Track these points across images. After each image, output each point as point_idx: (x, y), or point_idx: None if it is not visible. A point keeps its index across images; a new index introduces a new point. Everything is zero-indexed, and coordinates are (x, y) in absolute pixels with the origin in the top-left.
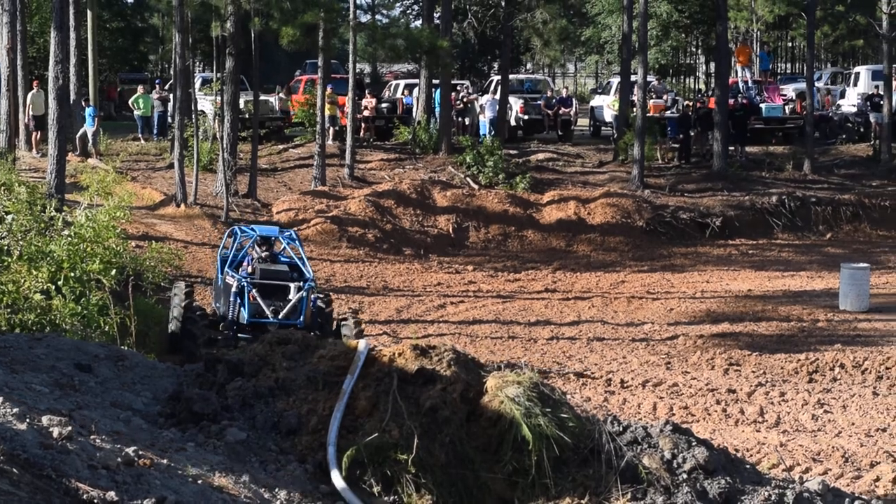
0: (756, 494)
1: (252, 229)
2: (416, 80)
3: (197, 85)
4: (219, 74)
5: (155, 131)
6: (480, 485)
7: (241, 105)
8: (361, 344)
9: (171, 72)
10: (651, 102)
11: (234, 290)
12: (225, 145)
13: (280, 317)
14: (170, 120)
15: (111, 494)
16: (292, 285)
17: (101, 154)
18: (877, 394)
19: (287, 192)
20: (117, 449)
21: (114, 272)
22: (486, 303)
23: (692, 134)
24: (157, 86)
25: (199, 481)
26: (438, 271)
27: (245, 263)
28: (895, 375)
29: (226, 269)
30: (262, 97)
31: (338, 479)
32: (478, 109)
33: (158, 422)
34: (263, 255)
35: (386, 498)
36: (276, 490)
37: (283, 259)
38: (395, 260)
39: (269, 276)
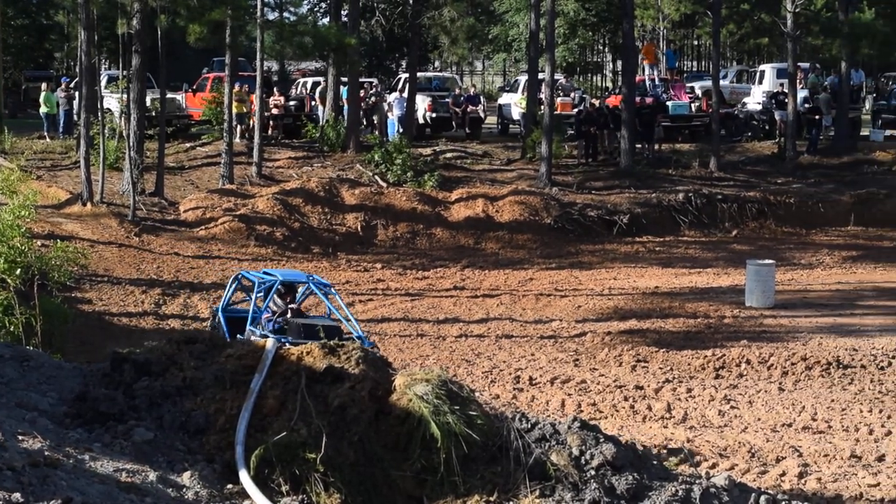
0: (663, 490)
1: (268, 273)
2: (322, 78)
3: (103, 83)
4: (125, 72)
5: (60, 129)
6: (389, 483)
7: (148, 103)
8: (269, 342)
9: (77, 69)
10: (559, 100)
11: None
12: (131, 143)
13: None
14: (75, 118)
15: (17, 496)
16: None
17: (6, 152)
18: (782, 389)
19: (194, 191)
20: (23, 449)
21: (19, 272)
22: (394, 301)
23: (595, 132)
24: (62, 83)
25: (106, 482)
26: (347, 269)
27: (264, 320)
28: (800, 371)
29: (248, 328)
30: (169, 95)
31: (246, 479)
32: (385, 107)
33: (65, 422)
34: (290, 307)
35: (294, 497)
36: (184, 490)
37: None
38: (304, 258)
39: (315, 333)
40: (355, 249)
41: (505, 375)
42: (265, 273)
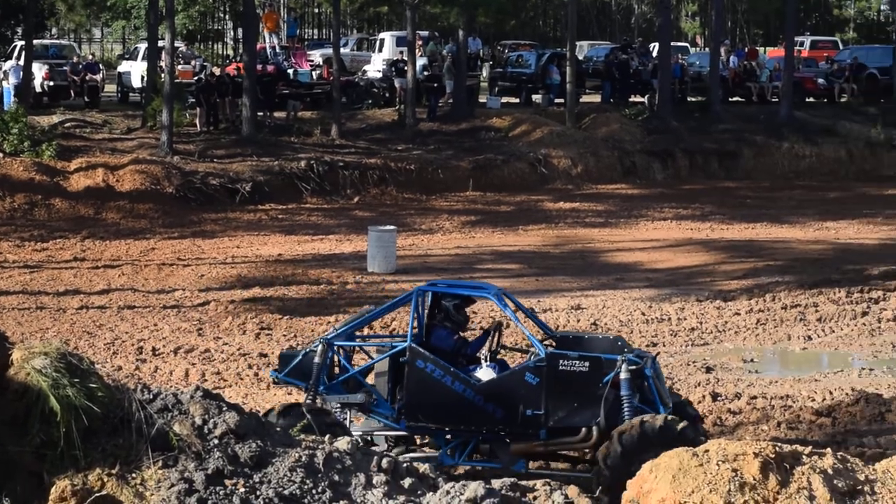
0: (287, 456)
1: (474, 287)
2: None
3: None
4: None
5: None
6: (8, 459)
7: None
8: None
9: None
10: (179, 68)
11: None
12: None
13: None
14: None
15: None
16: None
17: None
18: None
19: None
20: None
21: None
22: (12, 273)
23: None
24: None
25: None
26: None
27: (484, 356)
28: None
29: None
30: None
31: None
32: (1, 76)
33: None
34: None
35: None
36: None
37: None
38: None
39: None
40: None
41: (127, 347)
42: (454, 285)
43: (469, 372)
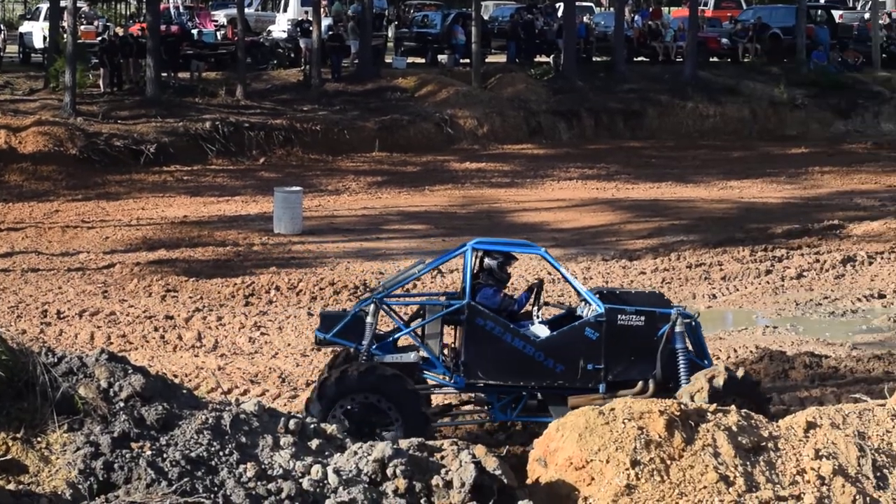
0: (193, 418)
1: (522, 245)
2: None
3: None
4: None
5: None
6: None
7: None
8: None
9: None
10: (82, 28)
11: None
12: None
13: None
14: None
15: None
16: None
17: None
18: (311, 314)
19: None
20: None
21: None
22: None
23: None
24: None
25: None
26: None
27: (535, 313)
28: (329, 295)
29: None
30: None
31: None
32: None
33: None
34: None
35: None
36: None
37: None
38: None
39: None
40: None
41: (32, 310)
42: (502, 243)
43: (521, 328)
